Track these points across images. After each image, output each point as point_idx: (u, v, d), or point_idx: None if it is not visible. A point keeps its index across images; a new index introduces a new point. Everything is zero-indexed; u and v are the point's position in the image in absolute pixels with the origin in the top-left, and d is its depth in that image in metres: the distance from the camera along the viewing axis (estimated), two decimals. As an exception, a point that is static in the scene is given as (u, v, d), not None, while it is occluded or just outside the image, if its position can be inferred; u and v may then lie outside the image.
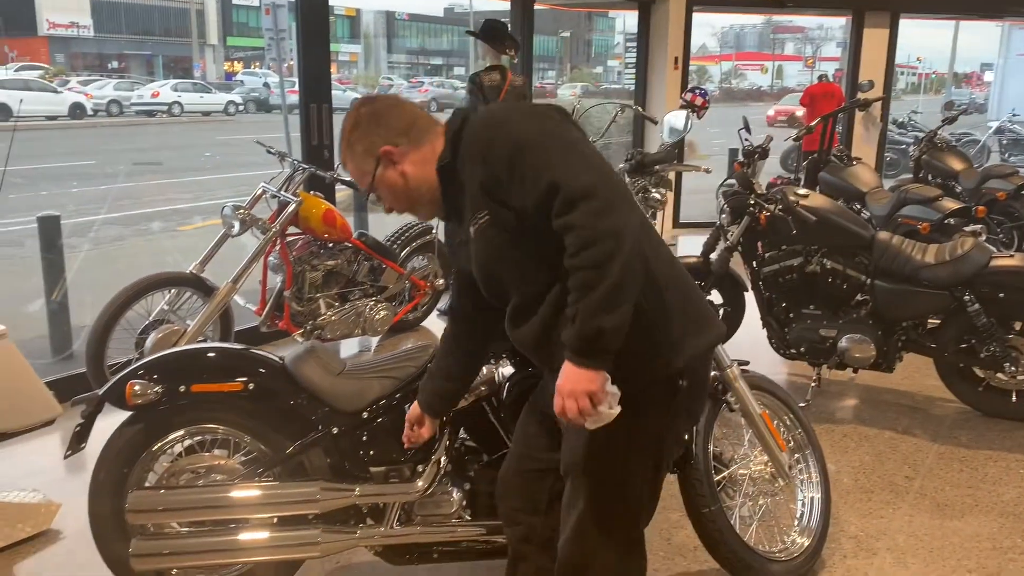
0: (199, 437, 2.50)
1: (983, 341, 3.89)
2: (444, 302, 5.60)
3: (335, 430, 2.42)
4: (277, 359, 2.51)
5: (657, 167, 5.60)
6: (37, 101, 23.48)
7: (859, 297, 4.08)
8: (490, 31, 5.44)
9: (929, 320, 4.04)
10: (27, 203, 10.97)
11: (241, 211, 4.02)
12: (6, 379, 2.76)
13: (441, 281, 5.28)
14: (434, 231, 5.26)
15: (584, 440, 1.84)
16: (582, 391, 1.62)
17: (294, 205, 4.14)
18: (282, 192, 4.24)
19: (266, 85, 30.46)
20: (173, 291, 4.02)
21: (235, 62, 46.90)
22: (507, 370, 2.51)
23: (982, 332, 3.86)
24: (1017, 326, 3.91)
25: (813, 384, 4.26)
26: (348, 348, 5.05)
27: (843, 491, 3.36)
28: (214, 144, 18.51)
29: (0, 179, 2.96)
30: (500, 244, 1.75)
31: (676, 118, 5.10)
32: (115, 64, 43.21)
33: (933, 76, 57.29)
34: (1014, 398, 4.00)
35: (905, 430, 3.96)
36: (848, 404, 4.32)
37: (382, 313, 4.67)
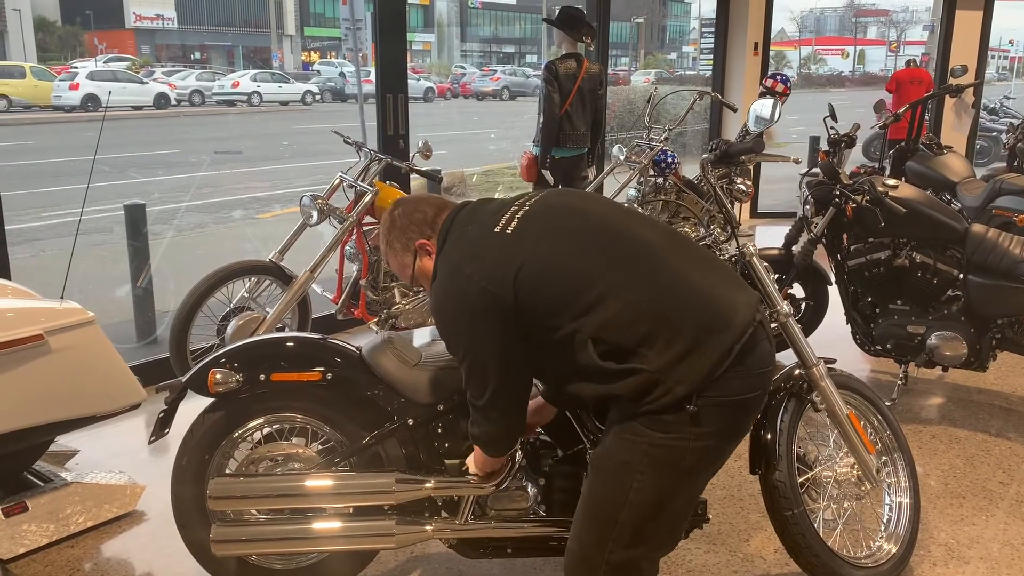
0: (277, 425, 2.53)
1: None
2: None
3: (411, 421, 2.42)
4: (355, 349, 2.52)
5: (743, 157, 5.46)
6: (124, 92, 24.32)
7: (950, 292, 3.90)
8: (567, 18, 5.37)
9: (1027, 317, 3.84)
10: (115, 191, 11.38)
11: (319, 200, 4.06)
12: (94, 364, 2.84)
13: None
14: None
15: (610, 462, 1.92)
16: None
17: (370, 195, 4.16)
18: (359, 182, 4.26)
19: (342, 75, 30.92)
20: (253, 279, 4.09)
21: (312, 52, 47.74)
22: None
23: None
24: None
25: (900, 382, 4.10)
26: (421, 337, 5.07)
27: (932, 496, 3.23)
28: (291, 133, 18.87)
29: (91, 167, 3.04)
30: None
31: (763, 107, 4.96)
32: (197, 55, 44.44)
33: (1027, 59, 54.68)
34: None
35: (999, 432, 3.78)
36: (937, 404, 4.15)
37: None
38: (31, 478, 3.02)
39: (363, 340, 2.56)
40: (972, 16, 8.32)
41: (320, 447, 2.55)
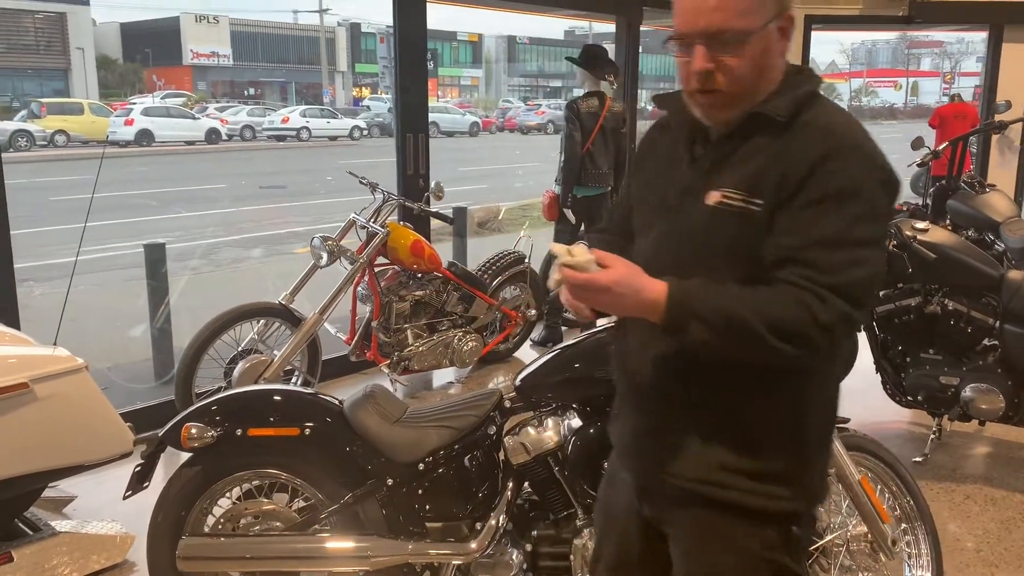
0: (258, 481, 2.45)
1: None
2: (538, 333, 5.47)
3: (390, 481, 2.32)
4: (336, 403, 2.43)
5: None
6: (176, 127, 25.02)
7: (986, 342, 3.68)
8: (589, 57, 5.30)
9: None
10: (157, 225, 11.60)
11: (329, 242, 4.01)
12: (83, 412, 2.79)
13: (533, 312, 5.15)
14: (526, 261, 5.15)
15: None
16: (601, 303, 1.42)
17: (381, 236, 4.11)
18: (370, 223, 4.22)
19: (391, 110, 31.44)
20: (262, 321, 4.04)
21: (363, 88, 48.69)
22: (574, 422, 2.35)
23: None
24: None
25: (933, 436, 3.88)
26: (440, 379, 4.98)
27: (963, 563, 3.00)
28: (336, 168, 19.09)
29: (89, 206, 3.03)
30: (721, 233, 1.47)
31: None
32: (251, 91, 45.62)
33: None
34: None
35: (1040, 493, 3.53)
36: (973, 460, 3.90)
37: (471, 344, 4.58)
38: (21, 527, 2.98)
39: (350, 393, 2.47)
40: (1020, 49, 8.05)
41: (302, 504, 2.46)
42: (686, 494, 1.52)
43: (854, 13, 7.77)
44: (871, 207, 1.38)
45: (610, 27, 6.85)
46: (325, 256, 4.00)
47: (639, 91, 7.06)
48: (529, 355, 5.27)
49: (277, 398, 2.45)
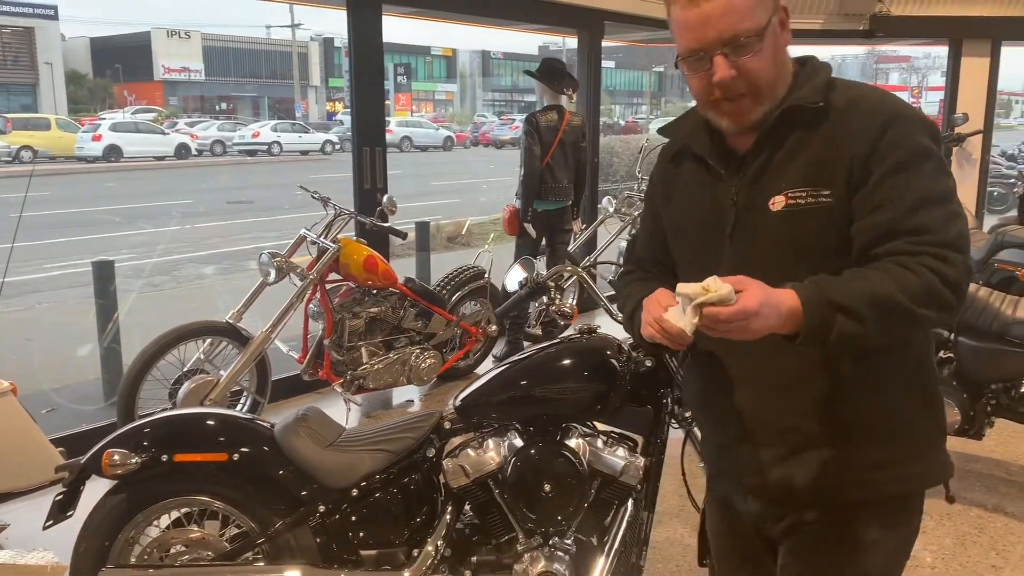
0: (187, 509, 2.35)
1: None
2: (499, 348, 5.40)
3: (323, 508, 2.24)
4: (267, 427, 2.35)
5: None
6: (145, 143, 24.76)
7: (940, 355, 3.66)
8: (548, 71, 5.27)
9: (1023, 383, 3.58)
10: (120, 242, 11.41)
11: (278, 258, 3.92)
12: (8, 437, 2.69)
13: (494, 327, 5.08)
14: (486, 276, 5.08)
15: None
16: (752, 329, 1.28)
17: (332, 251, 4.03)
18: (321, 238, 4.13)
19: (361, 124, 31.27)
20: (208, 341, 3.94)
21: (336, 102, 48.53)
22: (516, 442, 2.28)
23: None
24: None
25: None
26: (400, 396, 4.89)
27: (917, 581, 2.96)
28: (306, 182, 18.94)
29: (16, 226, 2.93)
30: (800, 233, 1.43)
31: None
32: (223, 106, 45.32)
33: (1052, 104, 54.17)
34: None
35: (996, 507, 3.50)
36: (931, 474, 3.87)
37: (429, 361, 4.50)
38: (-53, 557, 2.85)
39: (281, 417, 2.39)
40: (979, 63, 8.13)
41: (234, 531, 2.37)
42: (827, 504, 1.50)
43: (816, 28, 7.81)
44: (939, 160, 1.40)
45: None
46: (273, 273, 3.91)
47: (614, 106, 7.04)
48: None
49: (206, 422, 2.36)
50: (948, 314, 1.34)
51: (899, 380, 1.47)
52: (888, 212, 1.35)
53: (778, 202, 1.43)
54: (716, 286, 1.27)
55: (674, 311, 1.33)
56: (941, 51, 8.72)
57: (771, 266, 1.42)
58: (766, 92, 1.42)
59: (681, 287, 1.31)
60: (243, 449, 2.25)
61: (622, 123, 36.09)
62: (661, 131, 1.67)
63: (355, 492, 2.24)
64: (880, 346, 1.39)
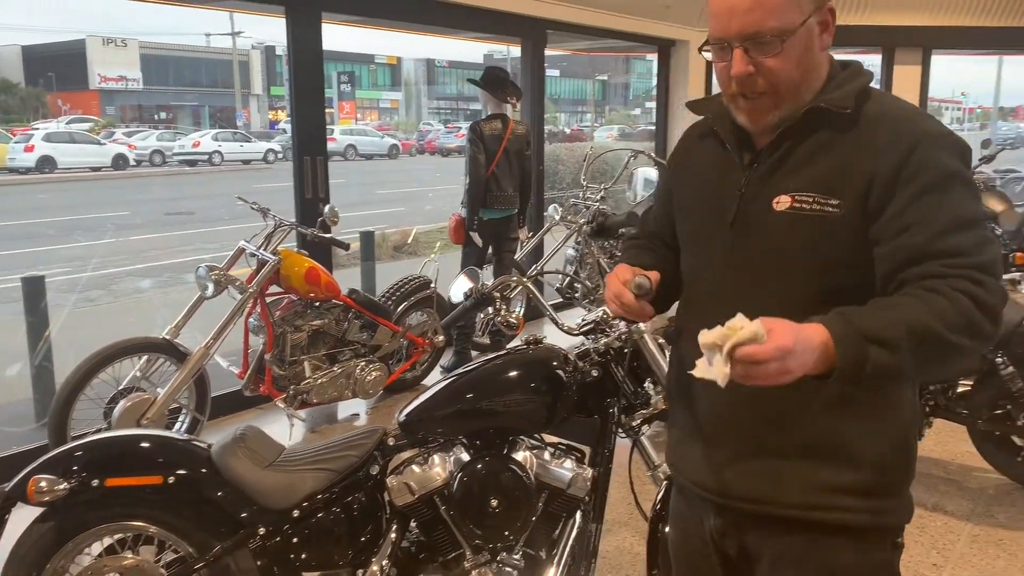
0: (120, 535, 2.26)
1: (1020, 407, 3.50)
2: (446, 359, 5.35)
3: (263, 530, 2.16)
4: (204, 447, 2.27)
5: (622, 230, 5.30)
6: (80, 153, 24.10)
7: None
8: (491, 79, 5.25)
9: (960, 383, 3.66)
10: (53, 255, 11.06)
11: (215, 272, 3.82)
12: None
13: (441, 337, 5.03)
14: (433, 286, 5.03)
15: None
16: (790, 369, 1.17)
17: (272, 263, 3.94)
18: (260, 251, 4.04)
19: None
20: (144, 357, 3.81)
21: (279, 111, 47.89)
22: (462, 457, 2.24)
23: (1018, 398, 3.48)
24: (1059, 390, 3.51)
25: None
26: (345, 410, 4.80)
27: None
28: (248, 192, 18.50)
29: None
30: (798, 238, 1.37)
31: (650, 172, 4.81)
32: (162, 115, 44.38)
33: (978, 111, 56.09)
34: (1059, 470, 3.59)
35: (935, 506, 3.56)
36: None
37: (374, 374, 4.42)
38: None
39: (219, 437, 2.31)
40: (911, 71, 8.36)
41: (172, 556, 2.28)
42: (785, 521, 1.44)
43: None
44: (970, 183, 1.34)
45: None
46: (211, 287, 3.80)
47: (559, 114, 7.06)
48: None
49: (140, 444, 2.26)
50: (983, 342, 1.26)
51: (883, 410, 1.41)
52: (918, 234, 1.27)
53: (782, 202, 1.39)
54: (741, 323, 1.17)
55: (701, 363, 1.20)
56: (874, 59, 8.95)
57: (759, 267, 1.41)
58: (786, 94, 1.37)
59: (704, 336, 1.19)
60: (179, 471, 2.17)
61: (567, 131, 36.30)
62: (691, 105, 1.61)
63: (296, 513, 2.17)
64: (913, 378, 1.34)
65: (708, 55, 1.43)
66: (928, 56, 8.36)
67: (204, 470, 2.19)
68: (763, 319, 1.18)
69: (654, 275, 1.51)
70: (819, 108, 1.37)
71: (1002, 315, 1.26)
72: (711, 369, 1.19)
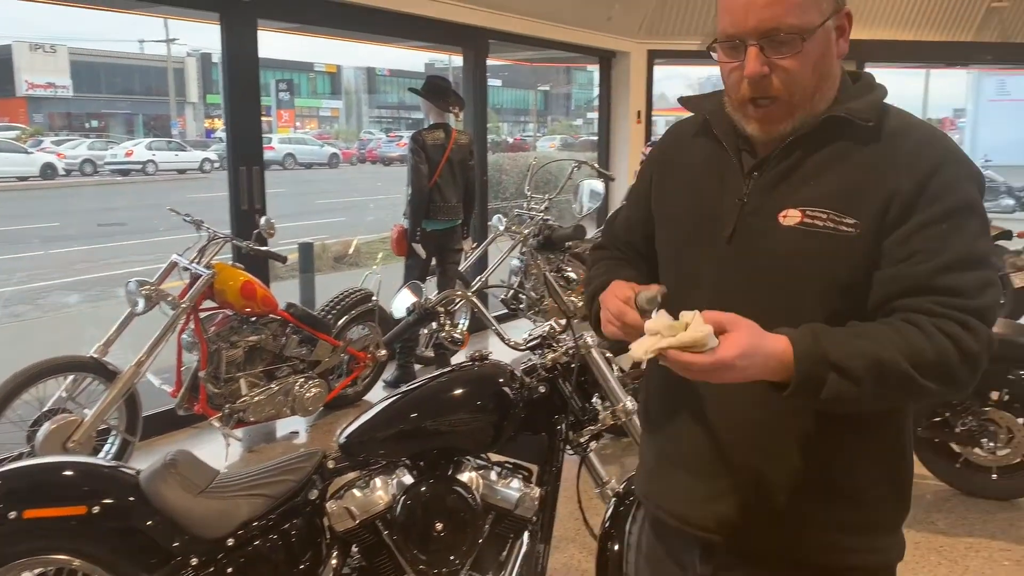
0: (41, 569, 2.12)
1: (957, 414, 3.56)
2: (389, 373, 5.25)
3: (195, 560, 2.05)
4: (132, 474, 2.14)
5: (568, 243, 5.29)
6: (6, 162, 23.23)
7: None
8: (433, 88, 5.19)
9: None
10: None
11: (146, 287, 3.67)
12: None
13: (383, 352, 4.93)
14: (374, 298, 4.93)
15: None
16: (725, 379, 1.14)
17: (206, 278, 3.80)
18: (194, 264, 3.90)
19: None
20: (71, 377, 3.64)
21: (215, 119, 47.01)
22: (405, 479, 2.16)
23: (956, 406, 3.54)
24: (994, 396, 3.58)
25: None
26: (284, 428, 4.66)
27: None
28: (183, 203, 18.07)
29: None
30: (808, 258, 1.26)
31: (596, 184, 4.81)
32: (94, 123, 43.16)
33: (908, 122, 57.89)
34: (994, 475, 3.65)
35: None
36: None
37: (314, 391, 4.30)
38: None
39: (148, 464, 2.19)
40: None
41: (99, 590, 2.15)
42: (786, 561, 1.33)
43: (693, 48, 8.04)
44: (983, 218, 1.26)
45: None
46: (141, 302, 3.65)
47: (501, 124, 7.04)
48: (380, 397, 5.03)
49: (62, 472, 2.13)
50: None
51: (879, 444, 1.32)
52: (920, 266, 1.20)
53: (791, 216, 1.26)
54: (695, 326, 1.11)
55: (636, 343, 1.16)
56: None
57: (759, 287, 1.29)
58: (800, 101, 1.26)
59: (650, 323, 1.15)
60: (104, 500, 2.04)
61: (510, 140, 36.39)
62: (683, 101, 1.48)
63: (231, 541, 2.06)
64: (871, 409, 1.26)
65: (715, 55, 1.30)
66: (862, 68, 8.57)
67: (132, 498, 2.07)
68: (731, 318, 1.14)
69: (659, 289, 1.30)
70: (838, 118, 1.26)
71: (983, 363, 1.19)
72: (641, 341, 1.15)
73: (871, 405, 1.21)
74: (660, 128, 10.29)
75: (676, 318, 1.14)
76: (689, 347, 1.11)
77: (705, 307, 1.22)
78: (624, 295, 1.30)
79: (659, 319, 1.15)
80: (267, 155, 10.39)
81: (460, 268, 5.56)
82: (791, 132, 1.28)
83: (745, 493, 1.32)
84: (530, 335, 2.32)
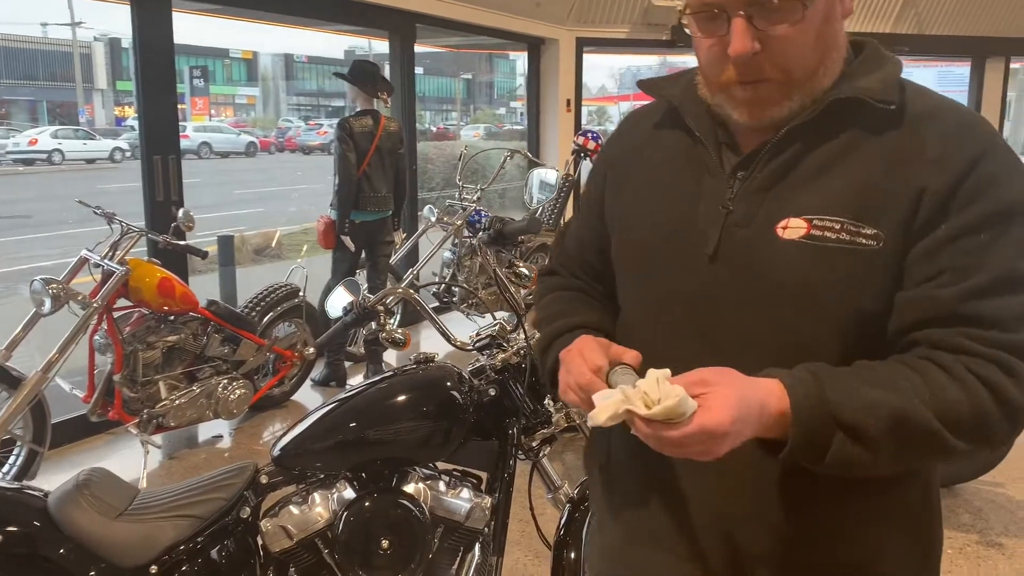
0: (-66, 607, 1.89)
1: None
2: (317, 372, 5.04)
3: (112, 591, 1.85)
4: (40, 496, 1.92)
5: (521, 237, 5.17)
6: None
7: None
8: (360, 73, 4.97)
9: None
10: None
11: (54, 285, 3.38)
12: None
13: (311, 350, 4.70)
14: (301, 294, 4.71)
15: None
16: (716, 452, 0.90)
17: (119, 275, 3.54)
18: (106, 260, 3.62)
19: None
20: (-33, 385, 3.34)
21: (126, 107, 45.22)
22: (346, 494, 2.00)
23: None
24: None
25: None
26: (207, 431, 4.41)
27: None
28: (94, 194, 17.36)
29: None
30: (818, 281, 0.99)
31: (547, 173, 4.70)
32: (-7, 110, 41.01)
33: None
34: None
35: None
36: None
37: (239, 392, 4.07)
38: None
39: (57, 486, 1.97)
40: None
41: (3, 627, 1.93)
42: None
43: (622, 36, 7.99)
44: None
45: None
46: (48, 302, 3.37)
47: (424, 112, 6.87)
48: (309, 397, 4.83)
49: (-46, 498, 1.90)
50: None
51: (900, 506, 1.07)
52: (949, 288, 0.94)
53: (794, 228, 0.99)
54: (662, 391, 0.87)
55: (607, 397, 0.92)
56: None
57: (771, 321, 1.01)
58: (799, 82, 1.00)
59: (603, 394, 0.93)
60: (8, 528, 1.82)
61: (433, 129, 36.01)
62: (643, 84, 1.21)
63: (154, 568, 1.87)
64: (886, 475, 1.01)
65: (687, 28, 1.04)
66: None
67: (39, 524, 1.85)
68: (704, 375, 0.90)
69: (634, 357, 1.06)
70: (848, 100, 1.00)
71: None
72: (603, 404, 0.91)
73: (886, 469, 0.97)
74: (585, 119, 10.25)
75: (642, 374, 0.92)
76: (669, 419, 0.87)
77: (677, 342, 1.03)
78: (594, 364, 1.03)
79: (615, 392, 0.92)
80: (182, 144, 9.93)
81: (391, 261, 5.37)
82: (787, 118, 1.01)
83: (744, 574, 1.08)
84: (478, 334, 2.18)
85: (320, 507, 1.96)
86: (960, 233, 0.95)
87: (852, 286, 0.97)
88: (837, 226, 0.98)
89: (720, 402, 0.87)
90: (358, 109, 4.98)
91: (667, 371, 0.90)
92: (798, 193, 1.01)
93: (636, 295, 1.17)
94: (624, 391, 0.90)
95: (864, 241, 0.97)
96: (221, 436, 4.39)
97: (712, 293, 1.05)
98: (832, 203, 0.99)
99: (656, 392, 0.87)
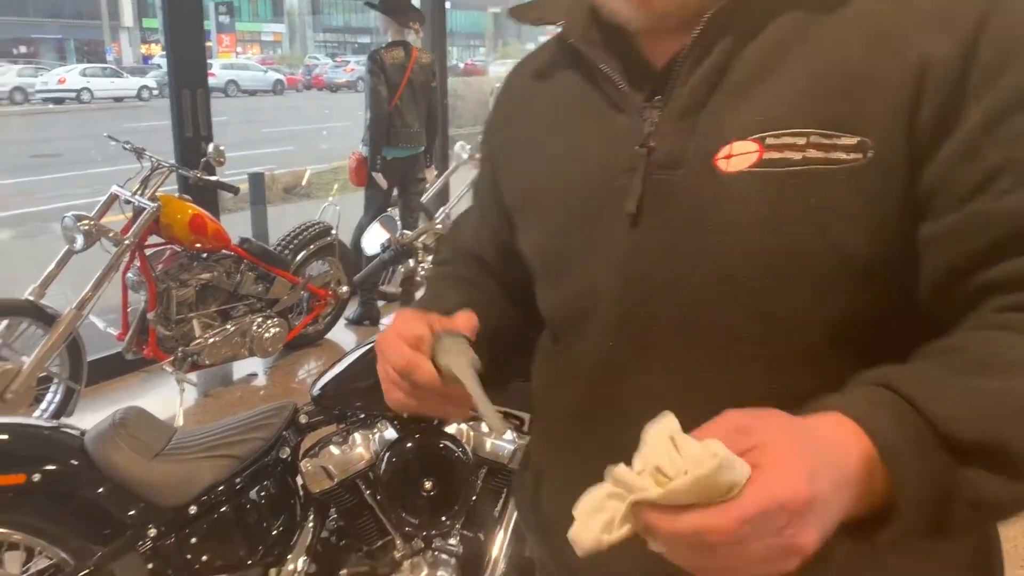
0: (-23, 544, 1.88)
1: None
2: (352, 310, 5.00)
3: (152, 531, 1.83)
4: (76, 434, 1.90)
5: None
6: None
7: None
8: (391, 3, 4.80)
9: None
10: None
11: (85, 222, 3.34)
12: None
13: (345, 288, 4.67)
14: (334, 232, 4.64)
15: None
16: (813, 517, 0.53)
17: (151, 211, 3.48)
18: (137, 196, 3.57)
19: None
20: (4, 322, 3.33)
21: (152, 44, 44.97)
22: (387, 434, 1.95)
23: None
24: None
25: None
26: (241, 370, 4.40)
27: None
28: (123, 132, 17.21)
29: None
30: (799, 227, 0.67)
31: None
32: (21, 49, 40.99)
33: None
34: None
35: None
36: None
37: (273, 330, 4.04)
38: None
39: (94, 425, 1.93)
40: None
41: (46, 563, 1.92)
42: None
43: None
44: None
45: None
46: (80, 239, 3.33)
47: (452, 48, 6.67)
48: (343, 336, 4.80)
49: (-5, 436, 1.88)
50: None
51: (964, 550, 0.76)
52: (1017, 193, 0.62)
53: (740, 156, 0.68)
54: (685, 454, 0.52)
55: (590, 499, 0.56)
56: None
57: (721, 297, 0.70)
58: None
59: (621, 473, 0.55)
60: (46, 467, 1.80)
61: (461, 65, 35.46)
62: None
63: (194, 509, 1.84)
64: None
65: None
66: None
67: (77, 463, 1.83)
68: (731, 419, 0.56)
69: (466, 321, 0.82)
70: None
71: None
72: (596, 515, 0.55)
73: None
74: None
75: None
76: (696, 495, 0.51)
77: (599, 342, 0.74)
78: (412, 334, 0.78)
79: (446, 345, 0.70)
80: (209, 82, 9.79)
81: (423, 199, 5.28)
82: (702, 6, 0.71)
83: None
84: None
85: (361, 447, 1.92)
86: (1003, 113, 0.63)
87: (830, 224, 0.66)
88: (801, 141, 0.66)
89: (779, 457, 0.53)
90: (389, 40, 4.83)
91: (672, 420, 0.55)
92: (739, 107, 0.70)
93: (556, 302, 0.86)
94: (615, 475, 0.54)
95: (843, 155, 0.65)
96: (256, 374, 4.38)
97: (637, 267, 0.74)
98: (789, 110, 0.67)
99: (675, 459, 0.52)
